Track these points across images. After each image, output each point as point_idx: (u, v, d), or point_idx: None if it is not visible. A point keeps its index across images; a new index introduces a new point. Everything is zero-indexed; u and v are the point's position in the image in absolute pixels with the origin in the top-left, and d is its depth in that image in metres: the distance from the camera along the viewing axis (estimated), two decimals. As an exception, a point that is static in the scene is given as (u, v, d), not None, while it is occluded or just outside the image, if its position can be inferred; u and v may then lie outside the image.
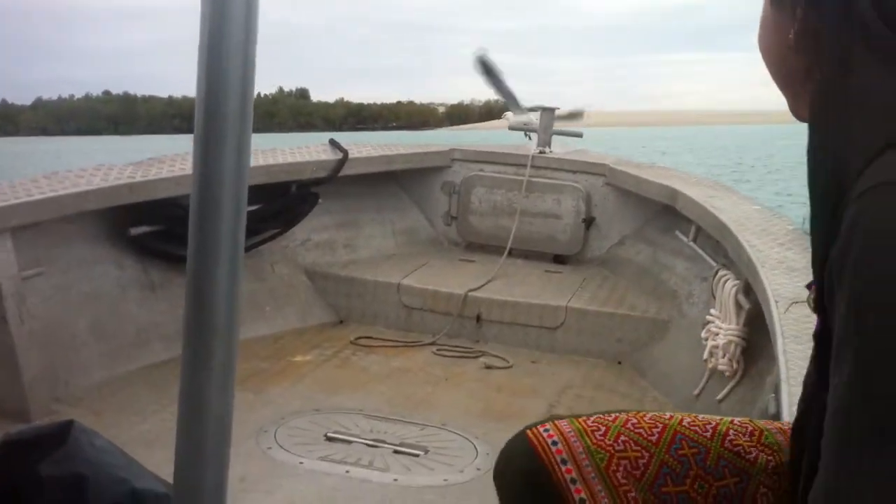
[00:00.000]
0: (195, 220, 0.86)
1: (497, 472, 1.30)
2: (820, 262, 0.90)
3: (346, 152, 4.50)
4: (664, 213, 4.33)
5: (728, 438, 1.25)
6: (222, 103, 0.84)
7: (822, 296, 0.90)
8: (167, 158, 3.88)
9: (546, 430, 1.26)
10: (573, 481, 1.21)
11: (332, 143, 4.66)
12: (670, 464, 1.23)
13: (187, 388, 0.87)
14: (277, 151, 4.37)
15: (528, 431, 1.27)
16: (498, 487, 1.29)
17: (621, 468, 1.22)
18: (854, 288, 0.81)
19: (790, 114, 1.09)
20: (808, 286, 1.05)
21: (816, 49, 0.97)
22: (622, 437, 1.24)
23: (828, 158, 0.92)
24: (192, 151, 0.86)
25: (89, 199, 3.34)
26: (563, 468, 1.22)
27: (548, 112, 5.14)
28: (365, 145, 4.89)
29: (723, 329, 3.07)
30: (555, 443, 1.24)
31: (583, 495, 1.20)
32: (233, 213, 0.87)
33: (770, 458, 1.24)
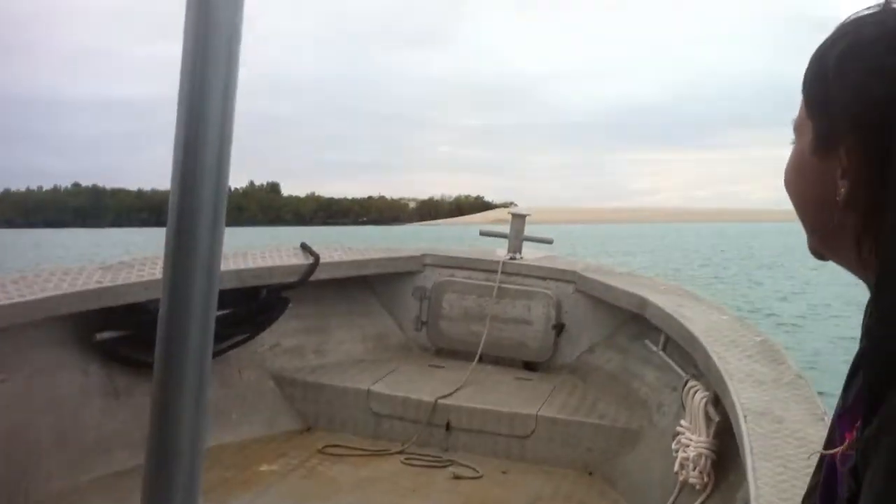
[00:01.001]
0: (164, 324, 0.86)
1: None
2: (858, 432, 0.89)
3: (317, 257, 4.51)
4: (634, 320, 4.35)
5: None
6: (196, 199, 0.84)
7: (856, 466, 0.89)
8: (136, 262, 3.86)
9: None
10: None
11: (304, 247, 4.67)
12: None
13: (149, 501, 0.86)
14: (248, 255, 4.37)
15: None
16: None
17: None
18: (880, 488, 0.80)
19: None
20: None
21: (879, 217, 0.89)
22: None
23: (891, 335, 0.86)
24: (164, 252, 0.85)
25: (57, 305, 3.31)
26: None
27: (518, 218, 5.20)
28: (336, 249, 4.90)
29: (693, 441, 3.06)
30: None
31: None
32: (202, 317, 0.87)
33: None
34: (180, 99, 0.86)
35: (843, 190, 0.94)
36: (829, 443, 1.14)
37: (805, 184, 1.00)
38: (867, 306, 0.94)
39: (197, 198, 0.85)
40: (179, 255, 0.85)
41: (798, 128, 1.01)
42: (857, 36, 0.94)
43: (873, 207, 0.90)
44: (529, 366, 4.81)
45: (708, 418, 3.04)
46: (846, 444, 0.94)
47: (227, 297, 4.01)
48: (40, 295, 3.25)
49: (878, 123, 0.89)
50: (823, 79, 0.97)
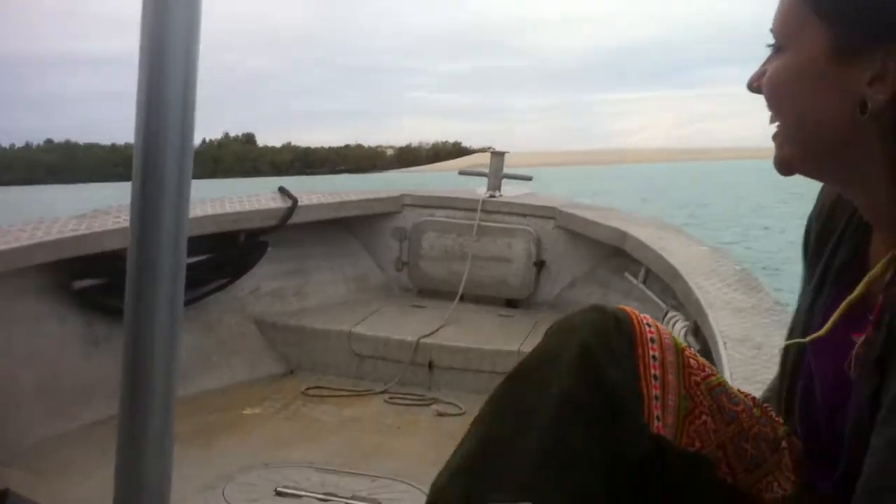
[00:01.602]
0: (133, 273, 0.84)
1: (561, 328, 1.24)
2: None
3: (295, 200, 4.47)
4: (614, 254, 4.36)
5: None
6: (161, 152, 0.83)
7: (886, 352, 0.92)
8: (112, 210, 3.81)
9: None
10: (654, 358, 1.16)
11: (282, 190, 4.63)
12: (726, 387, 1.20)
13: (123, 451, 0.85)
14: (226, 200, 4.32)
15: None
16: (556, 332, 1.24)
17: (693, 366, 1.18)
18: None
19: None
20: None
21: None
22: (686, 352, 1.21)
23: None
24: (130, 202, 0.84)
25: (33, 254, 3.26)
26: (651, 346, 1.18)
27: (497, 156, 5.17)
28: (315, 192, 4.86)
29: (672, 370, 3.08)
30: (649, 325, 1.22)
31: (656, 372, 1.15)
32: (172, 265, 0.85)
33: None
34: (141, 46, 0.84)
35: (880, 97, 0.90)
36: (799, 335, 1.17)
37: (816, 96, 0.94)
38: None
39: (161, 143, 0.83)
40: (146, 203, 0.84)
41: (790, 35, 0.95)
42: None
43: None
44: (511, 303, 4.82)
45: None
46: (868, 334, 0.96)
47: (204, 243, 3.98)
48: (15, 244, 3.20)
49: None
50: None
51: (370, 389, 3.98)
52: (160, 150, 0.83)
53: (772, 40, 0.98)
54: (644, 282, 3.96)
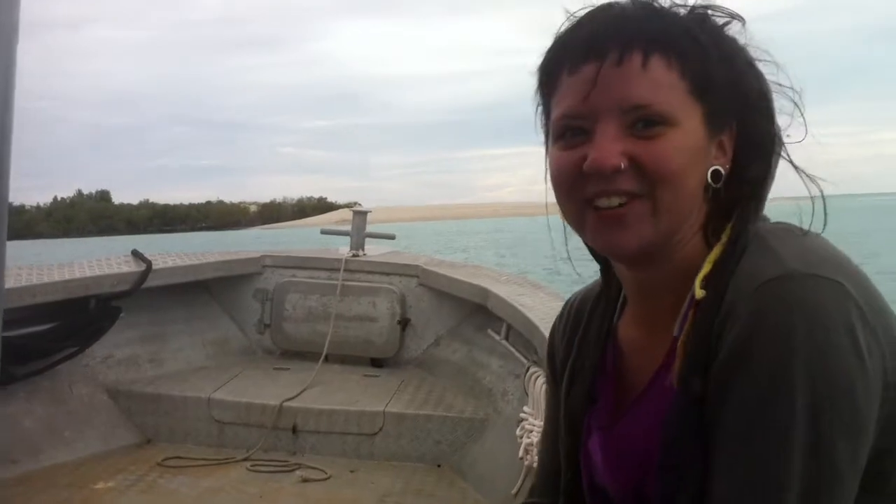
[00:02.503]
0: None
1: None
2: (695, 367, 0.96)
3: (149, 263, 4.33)
4: (477, 311, 4.41)
5: None
6: None
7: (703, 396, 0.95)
8: None
9: None
10: None
11: (135, 253, 4.48)
12: None
13: None
14: (75, 265, 4.15)
15: None
16: None
17: None
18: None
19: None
20: None
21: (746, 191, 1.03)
22: None
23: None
24: None
25: None
26: None
27: (360, 215, 5.17)
28: (171, 254, 4.72)
29: (536, 426, 3.11)
30: None
31: None
32: None
33: None
34: None
35: (726, 167, 1.03)
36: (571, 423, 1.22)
37: (696, 168, 1.00)
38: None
39: None
40: None
41: (677, 112, 0.98)
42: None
43: (745, 182, 1.02)
44: (376, 362, 4.79)
45: (550, 402, 3.10)
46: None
47: (53, 310, 3.81)
48: None
49: (758, 108, 1.03)
50: (705, 60, 1.00)
51: (231, 457, 3.85)
52: None
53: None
54: (506, 338, 4.01)
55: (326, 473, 3.68)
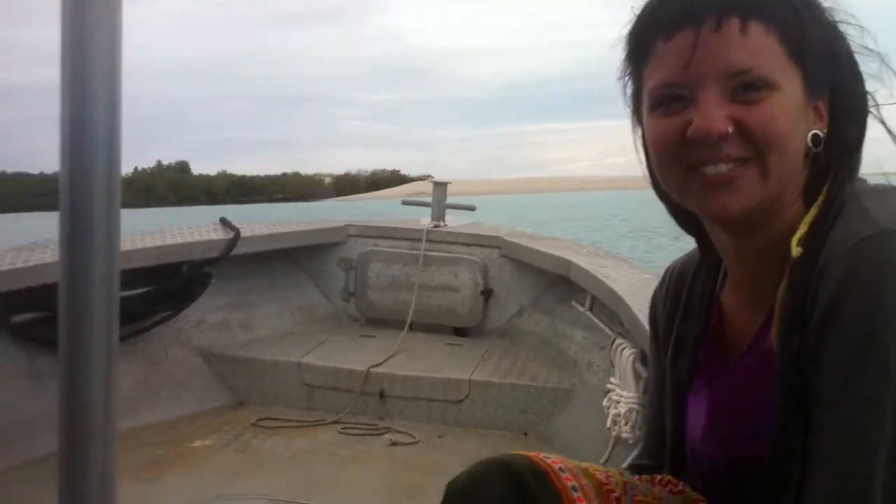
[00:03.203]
0: (65, 308, 0.83)
1: (466, 488, 1.27)
2: (793, 327, 0.96)
3: (237, 231, 4.43)
4: (560, 283, 4.41)
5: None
6: (88, 180, 0.81)
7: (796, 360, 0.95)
8: (50, 242, 3.74)
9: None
10: (574, 489, 1.20)
11: (223, 221, 4.59)
12: (633, 484, 1.27)
13: (65, 488, 0.84)
14: (167, 232, 4.27)
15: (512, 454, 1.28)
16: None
17: (602, 479, 1.25)
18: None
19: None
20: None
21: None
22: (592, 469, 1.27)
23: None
24: (59, 235, 0.82)
25: None
26: (563, 476, 1.22)
27: (440, 186, 5.20)
28: (257, 223, 4.82)
29: (623, 397, 3.11)
30: (547, 456, 1.26)
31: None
32: (105, 296, 0.84)
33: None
34: (63, 74, 0.82)
35: (824, 131, 1.03)
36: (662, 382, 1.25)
37: (798, 131, 1.00)
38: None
39: (88, 173, 0.81)
40: (75, 235, 0.82)
41: (778, 76, 0.97)
42: None
43: (841, 145, 1.02)
44: (459, 332, 4.84)
45: (636, 374, 3.09)
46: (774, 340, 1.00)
47: (147, 275, 3.93)
48: None
49: (849, 71, 1.03)
50: (801, 23, 0.99)
51: (322, 420, 3.94)
52: (87, 181, 0.81)
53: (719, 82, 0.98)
54: (590, 309, 4.00)
55: (414, 438, 3.74)
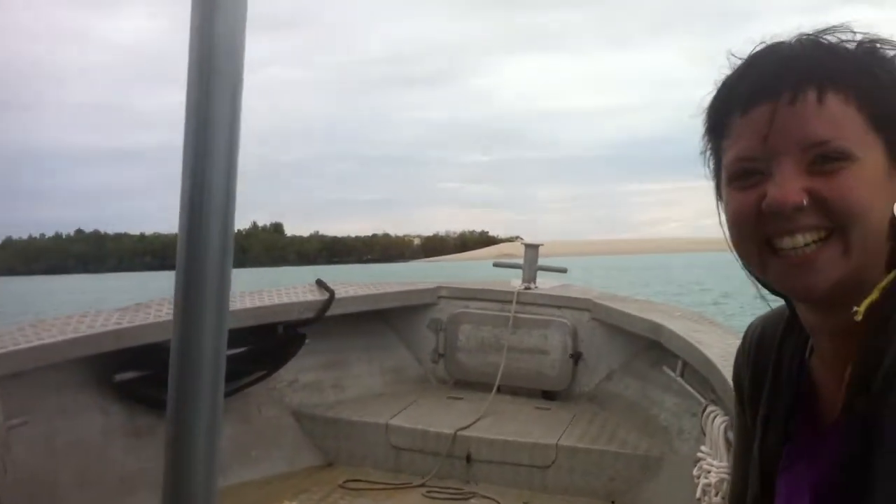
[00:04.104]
0: (175, 363, 0.86)
1: None
2: (865, 379, 0.94)
3: (332, 292, 4.52)
4: (650, 347, 4.35)
5: None
6: (204, 241, 0.86)
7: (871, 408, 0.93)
8: (153, 303, 3.88)
9: None
10: None
11: (319, 283, 4.69)
12: None
13: None
14: (264, 293, 4.39)
15: None
16: None
17: None
18: None
19: None
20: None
21: None
22: None
23: None
24: (174, 294, 0.87)
25: (76, 347, 3.33)
26: None
27: (532, 248, 5.22)
28: (351, 284, 4.92)
29: (714, 466, 3.03)
30: None
31: None
32: (213, 356, 0.87)
33: None
34: (185, 144, 0.88)
35: None
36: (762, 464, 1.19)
37: (882, 203, 0.97)
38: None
39: (205, 238, 0.86)
40: (189, 297, 0.86)
41: (856, 146, 0.95)
42: None
43: None
44: (548, 395, 4.80)
45: (728, 443, 3.01)
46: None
47: (244, 335, 4.03)
48: (59, 338, 3.27)
49: None
50: (881, 91, 0.97)
51: (408, 483, 3.95)
52: (202, 244, 0.86)
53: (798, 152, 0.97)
54: (682, 375, 3.93)
55: (500, 504, 3.72)
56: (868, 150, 0.96)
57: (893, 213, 0.98)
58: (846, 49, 0.99)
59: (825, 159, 0.94)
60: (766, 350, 1.22)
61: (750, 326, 1.29)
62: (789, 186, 0.95)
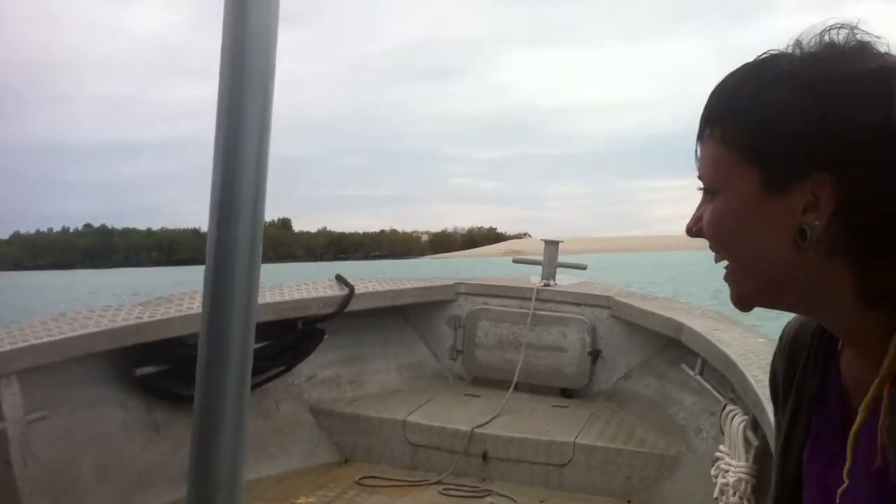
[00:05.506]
0: (203, 359, 0.87)
1: None
2: None
3: (352, 287, 4.52)
4: (670, 345, 4.34)
5: None
6: (233, 236, 0.87)
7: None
8: (175, 297, 3.89)
9: None
10: None
11: (339, 278, 4.69)
12: None
13: None
14: (284, 288, 4.39)
15: None
16: None
17: None
18: None
19: None
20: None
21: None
22: None
23: None
24: (203, 289, 0.88)
25: (97, 341, 3.34)
26: None
27: (551, 245, 5.20)
28: (370, 279, 4.92)
29: (732, 466, 3.02)
30: None
31: None
32: (241, 350, 0.89)
33: None
34: (217, 139, 0.89)
35: (816, 223, 0.95)
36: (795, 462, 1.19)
37: (758, 233, 0.99)
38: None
39: (234, 234, 0.87)
40: (218, 291, 0.88)
41: (723, 180, 1.00)
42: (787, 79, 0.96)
43: (859, 240, 0.94)
44: (566, 393, 4.79)
45: (747, 443, 3.00)
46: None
47: (263, 330, 4.02)
48: (80, 332, 3.28)
49: (852, 158, 0.93)
50: (768, 123, 0.97)
51: (424, 479, 3.95)
52: (232, 241, 0.87)
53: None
54: (701, 373, 3.92)
55: (516, 502, 3.71)
56: (735, 185, 1.00)
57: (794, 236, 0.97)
58: (735, 83, 1.01)
59: (707, 191, 1.04)
60: (801, 343, 1.23)
61: (786, 326, 1.30)
62: (694, 214, 1.06)
